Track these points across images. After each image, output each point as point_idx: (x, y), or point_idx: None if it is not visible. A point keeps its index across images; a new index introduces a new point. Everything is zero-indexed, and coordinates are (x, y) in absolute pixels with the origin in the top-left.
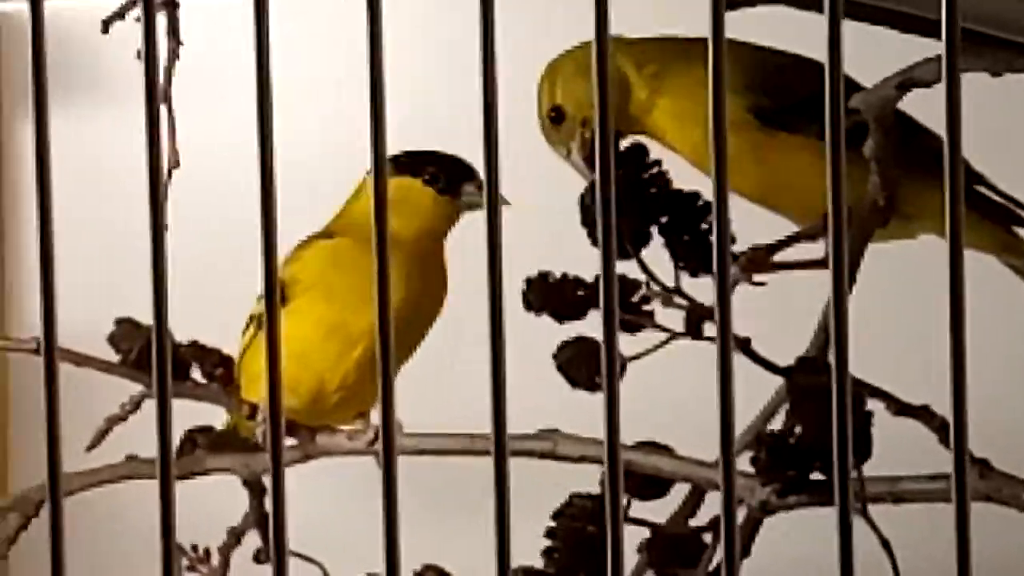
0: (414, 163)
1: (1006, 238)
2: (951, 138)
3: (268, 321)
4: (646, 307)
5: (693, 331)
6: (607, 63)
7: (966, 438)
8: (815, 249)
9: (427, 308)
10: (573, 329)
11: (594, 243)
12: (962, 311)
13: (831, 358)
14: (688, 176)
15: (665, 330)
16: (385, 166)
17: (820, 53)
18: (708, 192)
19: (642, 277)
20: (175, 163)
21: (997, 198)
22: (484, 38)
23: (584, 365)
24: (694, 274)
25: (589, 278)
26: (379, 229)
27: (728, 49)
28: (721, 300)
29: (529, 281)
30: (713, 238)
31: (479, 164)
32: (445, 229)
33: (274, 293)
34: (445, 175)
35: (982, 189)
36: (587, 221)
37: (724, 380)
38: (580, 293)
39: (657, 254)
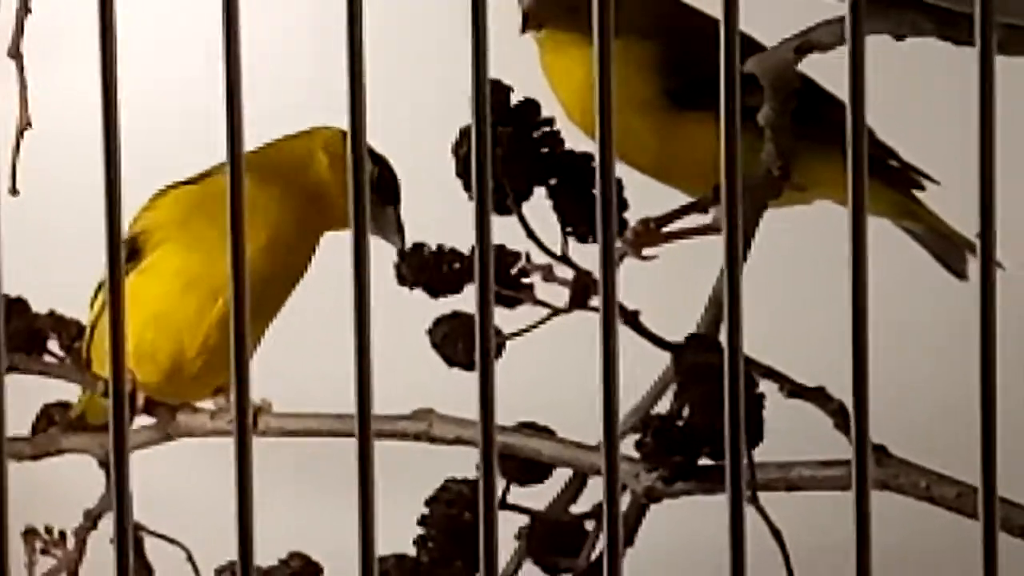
0: None
1: (906, 203)
2: (854, 102)
3: (110, 288)
4: (525, 280)
5: (579, 301)
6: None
7: (867, 419)
8: (706, 220)
9: (299, 259)
10: (448, 304)
11: (470, 195)
12: (864, 292)
13: (722, 336)
14: (580, 136)
15: (546, 305)
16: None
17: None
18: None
19: (522, 248)
20: (26, 123)
21: (898, 164)
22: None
23: (460, 342)
24: (583, 239)
25: (465, 249)
26: (233, 194)
27: (650, 17)
28: (606, 266)
29: (402, 254)
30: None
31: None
32: None
33: (118, 255)
34: None
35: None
36: (462, 171)
37: (608, 352)
38: (456, 266)
39: (542, 216)
